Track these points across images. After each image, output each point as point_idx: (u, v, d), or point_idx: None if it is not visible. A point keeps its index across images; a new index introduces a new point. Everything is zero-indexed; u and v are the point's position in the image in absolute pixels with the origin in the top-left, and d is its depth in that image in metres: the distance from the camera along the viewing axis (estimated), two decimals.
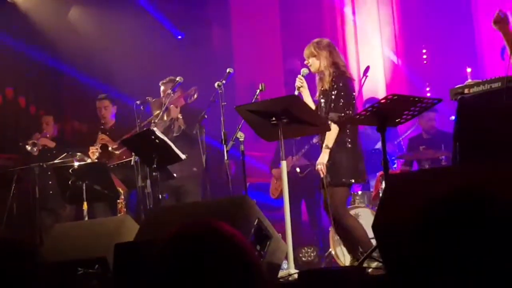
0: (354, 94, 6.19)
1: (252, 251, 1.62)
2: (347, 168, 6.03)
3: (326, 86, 6.13)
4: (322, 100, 6.18)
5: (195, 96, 7.85)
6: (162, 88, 8.07)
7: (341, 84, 6.06)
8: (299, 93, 6.19)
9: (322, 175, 6.03)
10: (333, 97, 6.06)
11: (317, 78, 6.30)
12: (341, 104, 6.02)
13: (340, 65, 6.16)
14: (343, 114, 5.94)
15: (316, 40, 6.32)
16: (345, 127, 5.99)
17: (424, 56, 10.45)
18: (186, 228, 1.62)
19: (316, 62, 6.19)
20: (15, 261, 2.02)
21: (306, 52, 6.29)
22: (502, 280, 1.44)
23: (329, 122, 5.99)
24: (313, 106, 6.24)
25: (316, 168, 6.10)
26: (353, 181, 6.09)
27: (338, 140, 6.03)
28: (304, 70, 6.24)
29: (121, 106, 8.82)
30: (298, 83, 6.19)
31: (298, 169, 8.51)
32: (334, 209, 6.04)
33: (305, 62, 6.29)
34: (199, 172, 7.78)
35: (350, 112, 5.98)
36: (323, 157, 6.04)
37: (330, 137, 6.03)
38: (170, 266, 1.56)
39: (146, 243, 4.62)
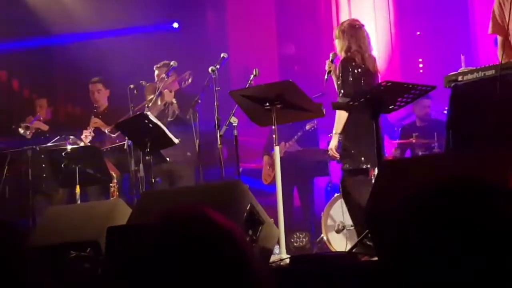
0: (361, 78, 6.11)
1: (242, 236, 1.62)
2: (362, 153, 6.01)
3: (337, 71, 6.17)
4: (336, 83, 6.22)
5: (190, 80, 7.83)
6: (156, 72, 8.05)
7: (343, 69, 6.10)
8: (330, 77, 6.22)
9: (336, 160, 6.09)
10: (339, 81, 6.09)
11: None
12: (346, 88, 6.03)
13: (352, 49, 6.16)
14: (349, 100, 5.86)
15: (344, 22, 6.41)
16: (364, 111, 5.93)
17: (419, 41, 10.44)
18: (172, 213, 1.62)
19: (338, 45, 6.26)
20: (6, 244, 2.02)
21: (334, 33, 6.39)
22: (496, 268, 1.45)
23: (333, 107, 5.98)
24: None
25: (329, 154, 6.18)
26: (369, 166, 6.07)
27: (354, 125, 6.04)
28: (332, 55, 6.31)
29: (114, 90, 8.79)
30: (327, 67, 6.25)
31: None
32: (355, 198, 6.02)
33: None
34: (193, 156, 7.78)
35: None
36: (332, 143, 6.14)
37: (338, 122, 6.07)
38: (157, 251, 1.56)
39: (138, 227, 4.63)
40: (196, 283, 1.51)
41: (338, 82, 6.14)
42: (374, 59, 6.36)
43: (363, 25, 6.40)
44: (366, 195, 5.99)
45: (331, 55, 6.31)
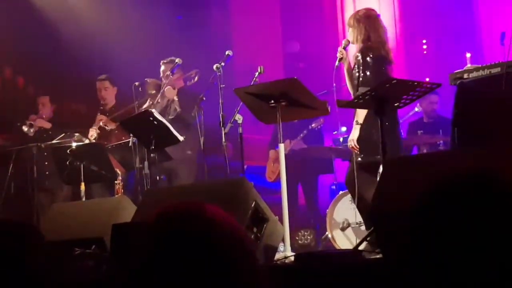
0: (383, 68, 6.04)
1: (244, 233, 1.61)
2: (377, 144, 5.93)
3: (354, 61, 6.10)
4: (356, 73, 6.13)
5: (196, 79, 7.80)
6: (162, 67, 8.01)
7: (368, 59, 5.99)
8: (341, 64, 6.14)
9: (355, 151, 5.98)
10: (360, 71, 6.01)
11: None
12: (369, 78, 5.95)
13: (372, 39, 6.06)
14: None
15: (360, 10, 6.30)
16: None
17: (424, 41, 10.43)
18: (169, 210, 1.62)
19: (352, 34, 6.14)
20: (15, 241, 2.02)
21: (347, 21, 6.28)
22: (503, 267, 1.44)
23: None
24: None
25: (348, 145, 6.08)
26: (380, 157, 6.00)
27: (369, 117, 5.92)
28: (345, 41, 6.20)
29: (119, 87, 8.80)
30: (338, 54, 6.11)
31: (341, 138, 8.39)
32: (359, 189, 5.97)
33: (347, 31, 6.25)
34: (194, 155, 7.77)
35: None
36: (354, 133, 5.99)
37: (360, 112, 5.95)
38: (153, 247, 1.56)
39: (143, 224, 4.63)
40: (194, 279, 1.50)
41: (358, 72, 6.03)
42: (391, 50, 6.31)
43: (379, 15, 6.34)
44: (372, 190, 6.02)
45: (343, 41, 6.21)
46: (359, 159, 5.99)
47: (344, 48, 6.15)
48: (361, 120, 5.96)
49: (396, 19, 10.64)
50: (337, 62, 6.10)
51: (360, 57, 6.01)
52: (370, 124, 5.92)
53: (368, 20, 6.13)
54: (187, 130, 7.47)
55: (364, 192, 5.94)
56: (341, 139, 8.30)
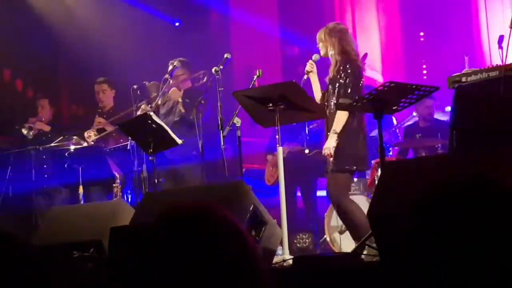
0: (362, 81, 6.11)
1: (247, 234, 1.61)
2: (349, 154, 5.98)
3: (333, 73, 6.09)
4: (330, 87, 6.14)
5: (205, 79, 7.75)
6: (170, 67, 7.95)
7: (349, 71, 6.00)
8: (308, 77, 6.18)
9: (330, 159, 6.00)
10: (342, 83, 6.00)
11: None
12: (350, 90, 5.97)
13: (350, 53, 6.09)
14: (352, 101, 5.75)
15: (330, 25, 6.28)
16: (354, 113, 5.92)
17: (422, 42, 10.45)
18: (177, 209, 1.62)
19: (324, 48, 6.16)
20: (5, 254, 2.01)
21: (317, 36, 6.25)
22: (500, 268, 1.45)
23: (338, 108, 5.94)
24: (319, 92, 6.23)
25: (323, 153, 6.08)
26: (355, 167, 6.06)
27: (345, 126, 5.98)
28: (315, 56, 6.23)
29: (118, 90, 8.80)
30: (308, 67, 6.19)
31: (307, 151, 8.44)
32: (334, 195, 6.03)
33: (317, 45, 6.25)
34: (199, 155, 7.76)
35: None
36: (330, 142, 5.98)
37: (339, 122, 5.96)
38: (155, 248, 1.56)
39: (141, 226, 4.63)
40: (195, 280, 1.50)
41: (340, 82, 6.05)
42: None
43: (348, 28, 6.41)
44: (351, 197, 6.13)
45: (314, 56, 6.25)
46: (331, 167, 6.00)
47: (315, 62, 6.20)
48: (339, 129, 5.97)
49: (395, 23, 10.66)
50: (305, 76, 6.15)
51: (342, 71, 6.02)
52: (347, 136, 5.97)
53: (341, 33, 6.16)
54: (191, 131, 7.45)
55: (342, 197, 6.02)
56: None
